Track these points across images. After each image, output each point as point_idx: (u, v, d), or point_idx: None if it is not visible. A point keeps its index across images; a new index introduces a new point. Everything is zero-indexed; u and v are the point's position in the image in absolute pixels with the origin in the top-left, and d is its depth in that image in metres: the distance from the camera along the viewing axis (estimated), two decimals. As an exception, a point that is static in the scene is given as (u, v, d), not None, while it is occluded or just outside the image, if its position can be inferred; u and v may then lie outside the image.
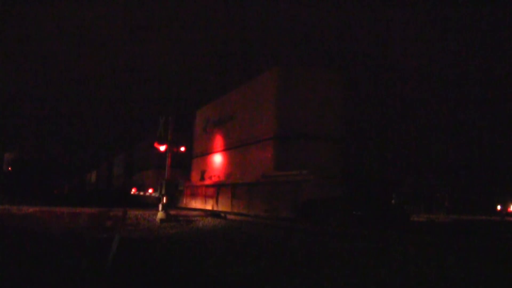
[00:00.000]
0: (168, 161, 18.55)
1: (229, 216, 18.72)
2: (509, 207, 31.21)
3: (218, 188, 23.14)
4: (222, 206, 22.20)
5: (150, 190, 33.25)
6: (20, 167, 47.09)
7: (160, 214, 16.44)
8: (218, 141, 25.03)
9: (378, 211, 13.31)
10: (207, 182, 25.56)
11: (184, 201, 28.11)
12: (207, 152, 26.73)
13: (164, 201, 17.22)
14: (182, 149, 18.59)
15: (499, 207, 31.96)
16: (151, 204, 26.26)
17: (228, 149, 23.44)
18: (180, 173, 28.41)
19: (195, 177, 28.96)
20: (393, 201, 13.90)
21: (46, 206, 19.81)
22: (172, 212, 17.98)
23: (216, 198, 23.22)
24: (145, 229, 14.10)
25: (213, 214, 19.51)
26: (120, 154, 53.43)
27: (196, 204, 26.38)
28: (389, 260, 8.05)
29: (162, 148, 18.43)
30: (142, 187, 37.12)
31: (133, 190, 39.91)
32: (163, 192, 17.30)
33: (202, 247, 10.45)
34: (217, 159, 25.09)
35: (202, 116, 28.51)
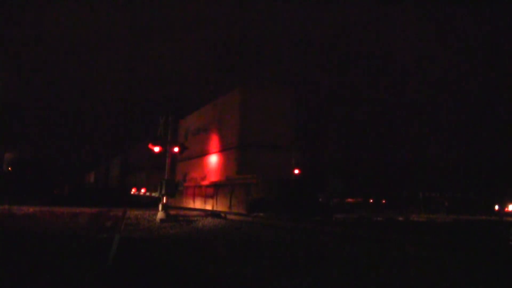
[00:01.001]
0: (168, 161, 18.53)
1: (229, 216, 18.76)
2: (507, 206, 31.18)
3: (195, 189, 26.43)
4: (199, 204, 24.71)
5: (143, 190, 34.41)
6: (20, 167, 47.08)
7: (160, 214, 16.41)
8: (197, 148, 27.88)
9: (307, 206, 17.45)
10: (188, 184, 28.79)
11: (168, 200, 29.75)
12: (188, 157, 29.44)
13: (164, 201, 17.19)
14: (176, 149, 18.60)
15: (497, 207, 31.98)
16: (146, 204, 26.66)
17: (204, 155, 27.23)
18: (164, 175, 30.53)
19: (179, 178, 31.47)
20: (320, 199, 18.04)
21: (46, 206, 19.80)
22: (172, 212, 17.97)
23: (193, 197, 26.30)
24: (145, 229, 14.10)
25: (213, 214, 19.53)
26: (116, 157, 55.03)
27: (180, 203, 28.23)
28: (389, 260, 8.06)
29: (156, 149, 18.44)
30: (137, 188, 38.33)
31: (133, 190, 40.03)
32: (163, 192, 17.24)
33: (202, 247, 10.46)
34: (196, 163, 28.42)
35: (184, 125, 31.72)
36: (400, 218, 21.55)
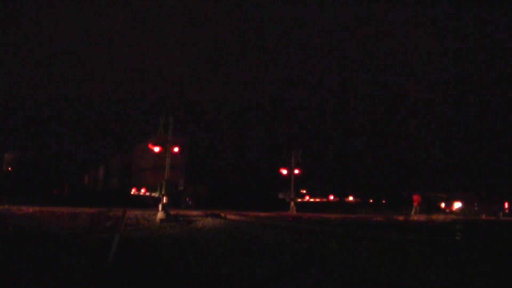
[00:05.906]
0: (168, 161, 18.54)
1: (229, 216, 18.78)
2: (453, 205, 31.09)
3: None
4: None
5: (143, 190, 39.99)
6: (20, 167, 47.07)
7: (160, 214, 16.39)
8: (141, 164, 46.78)
9: (176, 202, 27.19)
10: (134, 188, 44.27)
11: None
12: (138, 170, 47.02)
13: (164, 201, 17.18)
14: (176, 149, 18.71)
15: (443, 205, 32.04)
16: (145, 204, 27.58)
17: (141, 170, 45.54)
18: (128, 181, 42.92)
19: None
20: (183, 199, 29.67)
21: (46, 206, 19.78)
22: (172, 212, 17.98)
23: None
24: (145, 229, 14.11)
25: (212, 214, 19.55)
26: (101, 163, 64.14)
27: None
28: (389, 259, 8.08)
29: (156, 149, 18.64)
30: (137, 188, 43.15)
31: (133, 190, 40.32)
32: (163, 192, 17.23)
33: (202, 247, 10.48)
34: (141, 175, 46.09)
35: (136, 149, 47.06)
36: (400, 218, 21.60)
